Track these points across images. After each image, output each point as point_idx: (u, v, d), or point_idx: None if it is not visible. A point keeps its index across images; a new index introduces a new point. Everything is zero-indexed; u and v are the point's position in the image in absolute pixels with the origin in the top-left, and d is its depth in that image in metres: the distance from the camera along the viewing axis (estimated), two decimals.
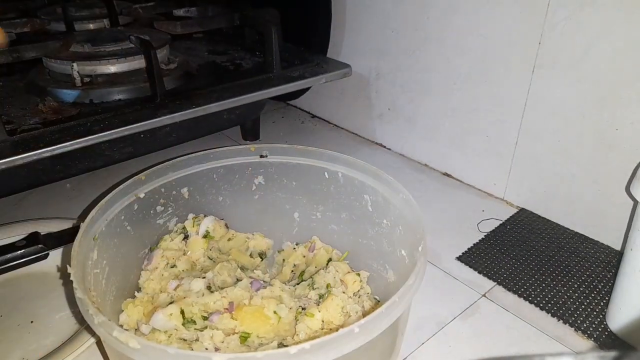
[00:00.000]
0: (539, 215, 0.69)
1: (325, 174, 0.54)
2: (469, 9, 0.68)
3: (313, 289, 0.50)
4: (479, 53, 0.68)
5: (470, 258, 0.62)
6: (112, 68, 0.70)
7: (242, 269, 0.54)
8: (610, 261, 0.61)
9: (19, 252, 0.49)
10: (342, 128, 0.97)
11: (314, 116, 1.02)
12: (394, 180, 0.48)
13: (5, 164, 0.53)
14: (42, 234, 0.52)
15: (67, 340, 0.49)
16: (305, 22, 0.90)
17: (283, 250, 0.59)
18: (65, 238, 0.54)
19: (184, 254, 0.54)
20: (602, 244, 0.64)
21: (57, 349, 0.48)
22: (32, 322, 0.52)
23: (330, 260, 0.55)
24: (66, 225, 0.60)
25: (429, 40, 0.74)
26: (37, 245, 0.50)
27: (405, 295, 0.36)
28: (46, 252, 0.51)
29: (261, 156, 0.55)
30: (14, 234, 0.58)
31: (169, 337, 0.44)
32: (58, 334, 0.51)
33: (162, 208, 0.53)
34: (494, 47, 0.66)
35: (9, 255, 0.49)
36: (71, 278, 0.37)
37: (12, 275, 0.53)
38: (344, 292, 0.48)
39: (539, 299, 0.55)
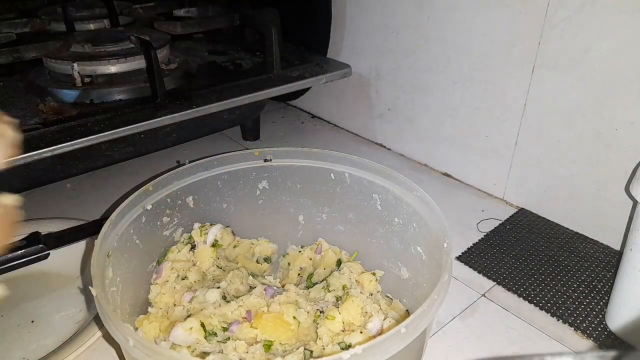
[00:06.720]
0: (539, 215, 0.69)
1: (332, 175, 0.54)
2: (469, 9, 0.68)
3: (329, 291, 0.49)
4: (479, 53, 0.68)
5: (469, 258, 0.62)
6: (113, 68, 0.70)
7: (252, 275, 0.53)
8: (609, 261, 0.61)
9: (19, 252, 0.49)
10: (342, 128, 0.97)
11: (314, 116, 1.02)
12: (407, 179, 0.49)
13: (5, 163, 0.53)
14: (42, 233, 0.52)
15: (68, 340, 0.49)
16: (305, 22, 0.90)
17: (287, 254, 0.58)
18: (66, 238, 0.54)
19: (194, 265, 0.53)
20: (602, 243, 0.64)
21: (57, 349, 0.48)
22: (32, 322, 0.53)
23: (340, 261, 0.55)
24: (66, 225, 0.60)
25: (429, 40, 0.74)
26: (38, 245, 0.50)
27: (440, 291, 0.36)
28: (46, 252, 0.50)
29: (265, 160, 0.55)
30: (14, 234, 0.58)
31: (193, 351, 0.43)
32: (58, 334, 0.51)
33: (168, 219, 0.52)
34: (494, 47, 0.67)
35: (9, 255, 0.49)
36: (96, 301, 0.36)
37: (12, 275, 0.53)
38: (361, 293, 0.48)
39: (538, 298, 0.55)
